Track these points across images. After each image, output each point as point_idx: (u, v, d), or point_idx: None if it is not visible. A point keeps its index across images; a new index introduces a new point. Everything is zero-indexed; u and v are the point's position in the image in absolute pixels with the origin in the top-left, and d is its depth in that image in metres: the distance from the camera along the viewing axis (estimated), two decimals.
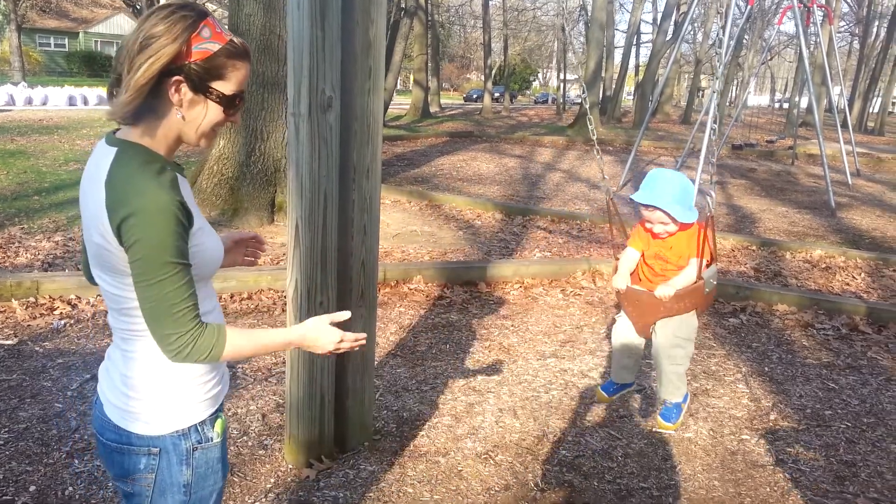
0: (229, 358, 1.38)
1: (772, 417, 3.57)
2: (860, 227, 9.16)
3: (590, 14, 26.87)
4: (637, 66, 46.22)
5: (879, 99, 34.67)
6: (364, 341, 1.58)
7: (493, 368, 4.05)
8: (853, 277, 6.48)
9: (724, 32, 9.90)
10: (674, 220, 2.79)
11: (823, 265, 6.82)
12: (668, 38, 27.89)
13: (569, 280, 5.76)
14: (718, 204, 10.49)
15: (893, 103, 45.98)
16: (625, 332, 3.14)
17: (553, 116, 34.43)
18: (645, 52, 51.39)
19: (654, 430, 3.39)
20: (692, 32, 45.99)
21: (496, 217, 8.32)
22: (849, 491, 2.91)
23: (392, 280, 5.41)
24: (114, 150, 1.34)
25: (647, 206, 2.80)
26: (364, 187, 2.83)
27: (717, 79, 3.63)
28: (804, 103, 26.35)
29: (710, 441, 3.31)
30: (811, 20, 15.60)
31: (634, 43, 39.07)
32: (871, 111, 33.78)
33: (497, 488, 2.87)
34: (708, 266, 2.87)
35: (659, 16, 44.68)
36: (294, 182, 2.70)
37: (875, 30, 41.08)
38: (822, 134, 11.59)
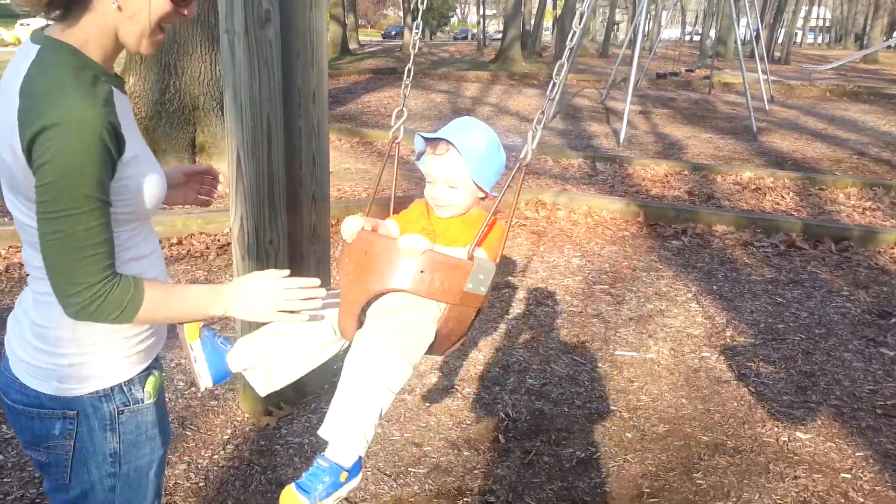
0: (144, 321, 1.16)
1: (728, 334, 3.61)
2: (781, 149, 9.42)
3: None
4: (555, 0, 45.93)
5: (784, 30, 35.84)
6: (318, 287, 1.36)
7: None
8: (782, 197, 6.66)
9: None
10: (462, 182, 1.65)
11: (753, 186, 6.97)
12: None
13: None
14: (646, 133, 10.60)
15: (797, 34, 47.62)
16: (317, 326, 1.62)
17: (474, 52, 33.92)
18: None
19: (615, 353, 3.36)
20: None
21: None
22: (812, 400, 2.97)
23: (332, 219, 5.15)
24: (36, 48, 1.08)
25: (436, 143, 1.68)
26: (311, 112, 2.58)
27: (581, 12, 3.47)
28: (714, 35, 26.88)
29: (672, 360, 3.32)
30: None
31: None
32: (776, 41, 34.88)
33: (468, 421, 2.77)
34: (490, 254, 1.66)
35: None
36: (232, 107, 2.42)
37: None
38: (743, 63, 11.80)
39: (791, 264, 4.74)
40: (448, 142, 1.61)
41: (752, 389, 3.05)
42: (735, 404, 2.94)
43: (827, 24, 71.00)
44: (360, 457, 1.40)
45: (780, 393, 3.02)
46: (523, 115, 11.97)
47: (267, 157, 2.47)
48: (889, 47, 34.44)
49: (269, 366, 1.53)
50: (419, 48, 1.84)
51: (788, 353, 3.39)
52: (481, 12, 40.03)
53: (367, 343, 1.46)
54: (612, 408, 2.90)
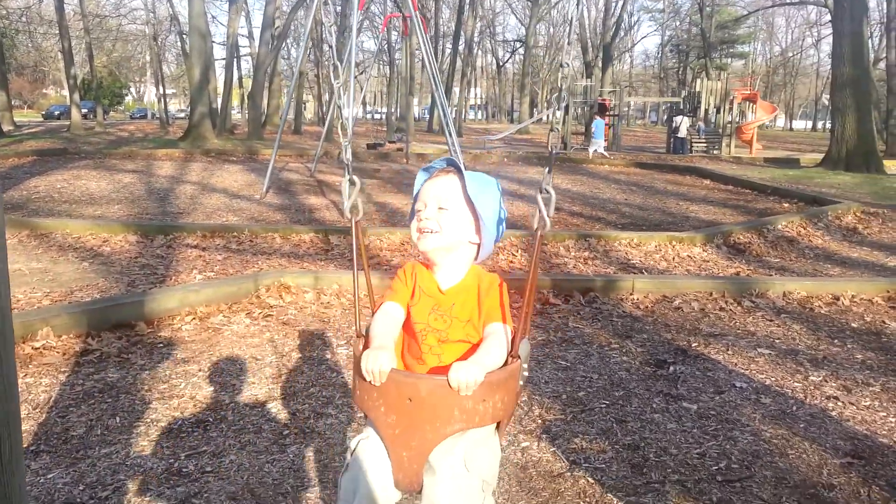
0: None
1: (536, 413, 3.21)
2: None
3: (187, 23, 25.03)
4: (241, 79, 45.31)
5: (455, 108, 40.20)
6: None
7: (197, 437, 2.92)
8: (513, 255, 6.76)
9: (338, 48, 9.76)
10: (454, 204, 1.57)
11: None
12: (270, 49, 27.71)
13: (252, 300, 4.76)
14: (364, 203, 10.38)
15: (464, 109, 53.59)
16: (373, 479, 1.43)
17: (157, 130, 31.64)
18: (245, 65, 50.86)
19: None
20: (286, 48, 46.99)
21: (130, 240, 6.76)
22: (653, 479, 2.64)
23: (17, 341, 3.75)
24: None
25: (438, 171, 1.65)
26: None
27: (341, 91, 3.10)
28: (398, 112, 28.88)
29: None
30: (409, 31, 16.74)
31: (235, 55, 38.08)
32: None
33: None
34: (514, 338, 1.53)
35: (254, 30, 44.57)
36: None
37: (441, 47, 47.63)
38: (453, 136, 12.37)
39: (553, 322, 4.63)
40: (453, 167, 1.63)
41: (591, 479, 2.63)
42: (582, 503, 2.49)
43: (481, 101, 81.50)
44: None
45: (620, 477, 2.65)
46: (232, 191, 10.98)
47: None
48: (538, 121, 40.41)
49: None
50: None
51: (604, 426, 3.08)
52: (162, 90, 37.69)
53: (460, 474, 1.39)
54: None
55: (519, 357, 1.46)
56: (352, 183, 1.62)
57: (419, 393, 1.35)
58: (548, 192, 1.48)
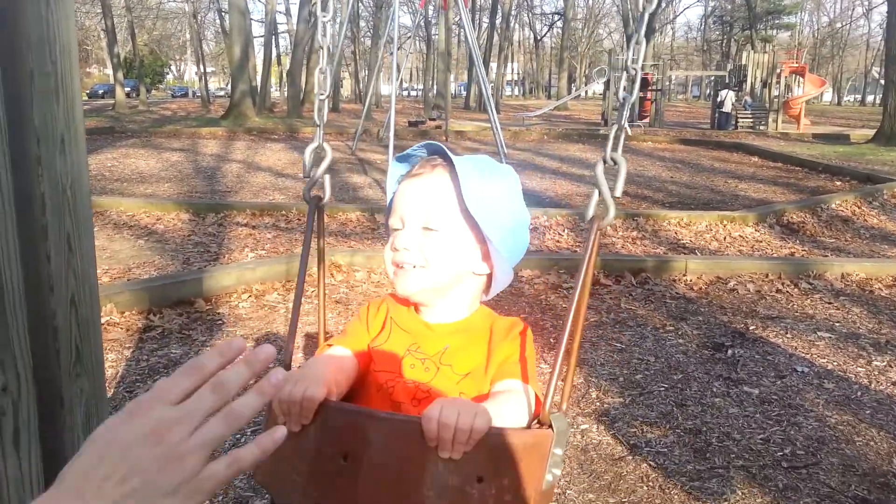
0: None
1: (594, 396, 3.21)
2: (535, 189, 9.79)
3: (227, 0, 25.25)
4: (279, 56, 45.51)
5: (492, 84, 39.70)
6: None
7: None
8: (560, 234, 6.72)
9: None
10: (446, 221, 1.04)
11: (531, 227, 6.96)
12: (309, 25, 27.76)
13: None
14: None
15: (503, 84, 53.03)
16: None
17: (199, 109, 32.04)
18: (283, 42, 51.07)
19: None
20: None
21: (182, 218, 6.89)
22: (716, 464, 2.62)
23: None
24: None
25: (420, 163, 1.12)
26: (59, 169, 1.61)
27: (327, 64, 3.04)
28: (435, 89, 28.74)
29: None
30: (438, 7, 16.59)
31: (273, 32, 38.26)
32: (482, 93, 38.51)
33: None
34: (541, 402, 0.95)
35: (292, 6, 44.60)
36: None
37: (478, 21, 47.05)
38: (494, 114, 12.28)
39: (604, 304, 4.59)
40: (439, 156, 1.08)
41: (653, 463, 2.63)
42: (645, 488, 2.48)
43: (518, 77, 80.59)
44: None
45: (682, 462, 2.64)
46: (277, 170, 11.10)
47: None
48: (578, 97, 39.80)
49: None
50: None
51: (664, 409, 3.07)
52: (202, 69, 38.11)
53: None
54: None
55: (551, 427, 0.88)
56: (319, 152, 1.24)
57: (367, 444, 0.79)
58: (615, 161, 1.00)
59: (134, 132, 17.03)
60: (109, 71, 37.48)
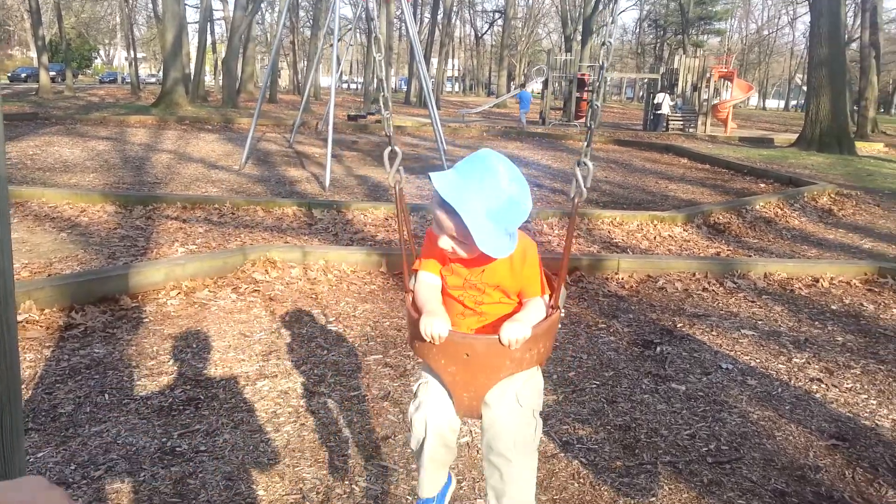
0: None
1: None
2: None
3: None
4: (214, 44, 44.27)
5: (433, 79, 39.71)
6: None
7: (189, 415, 2.90)
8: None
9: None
10: (470, 244, 1.55)
11: None
12: (246, 13, 27.10)
13: (238, 275, 4.70)
14: (345, 175, 10.28)
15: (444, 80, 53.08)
16: (439, 414, 1.67)
17: (129, 95, 30.87)
18: (218, 29, 49.70)
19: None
20: (261, 14, 46.03)
21: (108, 210, 6.62)
22: (645, 460, 2.68)
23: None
24: None
25: (445, 207, 1.56)
26: None
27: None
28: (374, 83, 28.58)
29: None
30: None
31: (208, 19, 37.17)
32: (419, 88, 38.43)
33: None
34: (552, 294, 1.69)
35: None
36: None
37: (420, 16, 46.89)
38: (434, 109, 12.24)
39: None
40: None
41: (584, 460, 2.67)
42: (576, 485, 2.52)
43: (459, 74, 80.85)
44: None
45: (612, 458, 2.69)
46: (210, 161, 10.79)
47: None
48: (514, 96, 40.21)
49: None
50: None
51: (595, 407, 3.12)
52: (133, 54, 36.68)
53: (515, 412, 1.63)
54: None
55: (560, 308, 1.66)
56: (392, 154, 1.70)
57: (476, 350, 1.58)
58: (586, 164, 1.62)
59: (58, 119, 16.27)
60: (33, 53, 35.64)
